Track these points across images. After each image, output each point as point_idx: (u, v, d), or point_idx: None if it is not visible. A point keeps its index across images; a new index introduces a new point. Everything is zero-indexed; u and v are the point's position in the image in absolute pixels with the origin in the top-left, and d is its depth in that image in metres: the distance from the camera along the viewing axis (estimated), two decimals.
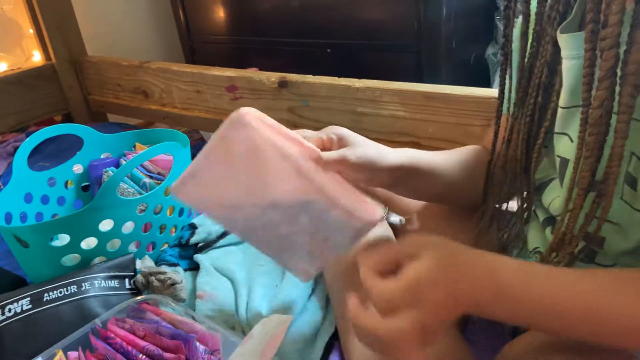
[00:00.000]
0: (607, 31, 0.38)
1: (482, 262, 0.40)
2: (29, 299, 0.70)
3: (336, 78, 1.05)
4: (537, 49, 0.49)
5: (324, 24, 1.41)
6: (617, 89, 0.39)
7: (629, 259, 0.49)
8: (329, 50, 1.42)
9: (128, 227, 0.81)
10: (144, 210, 0.82)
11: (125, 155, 1.03)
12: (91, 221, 0.77)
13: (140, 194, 0.91)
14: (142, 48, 1.82)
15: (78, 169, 1.01)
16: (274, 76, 1.14)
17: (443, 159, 0.60)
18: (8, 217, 0.86)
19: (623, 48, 0.38)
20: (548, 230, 0.55)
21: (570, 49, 0.46)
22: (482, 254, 0.41)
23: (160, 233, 0.87)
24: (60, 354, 0.53)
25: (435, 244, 0.41)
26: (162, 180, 0.89)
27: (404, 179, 0.55)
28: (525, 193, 0.55)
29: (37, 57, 1.52)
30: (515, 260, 0.41)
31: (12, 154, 1.34)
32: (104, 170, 0.98)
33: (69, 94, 1.53)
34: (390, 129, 0.99)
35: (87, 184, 1.02)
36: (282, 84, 1.12)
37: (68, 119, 1.55)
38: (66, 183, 0.99)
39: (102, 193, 0.76)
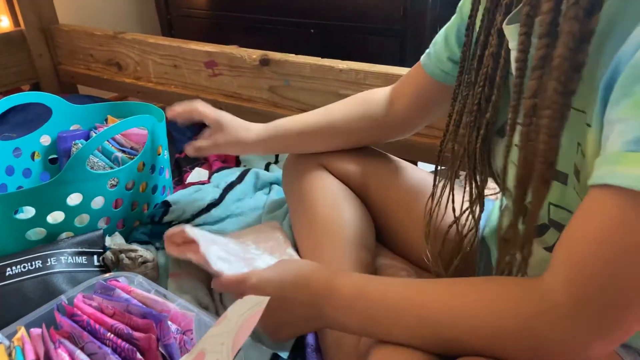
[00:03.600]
0: (541, 18, 0.36)
1: (321, 276, 0.50)
2: None
3: (320, 58, 1.03)
4: (487, 39, 0.49)
5: (309, 3, 1.37)
6: None
7: None
8: (312, 30, 1.39)
9: (97, 202, 0.78)
10: (115, 185, 0.79)
11: (96, 128, 0.98)
12: (58, 194, 0.73)
13: (112, 168, 0.88)
14: (116, 18, 1.75)
15: (45, 140, 0.96)
16: (255, 53, 1.10)
17: (310, 118, 0.75)
18: None
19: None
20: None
21: (516, 39, 0.45)
22: (318, 270, 0.52)
23: (132, 210, 0.84)
24: (22, 330, 0.50)
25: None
26: (136, 155, 0.85)
27: (274, 148, 0.80)
28: (478, 179, 0.55)
29: (5, 23, 1.45)
30: (350, 277, 0.50)
31: None
32: (73, 142, 0.94)
33: (38, 63, 1.46)
34: None
35: (54, 156, 0.98)
36: (264, 62, 1.09)
37: (36, 88, 1.48)
38: (33, 154, 0.95)
39: (71, 165, 0.72)
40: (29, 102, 0.91)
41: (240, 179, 0.98)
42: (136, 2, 1.80)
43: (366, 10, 1.28)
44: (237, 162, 1.11)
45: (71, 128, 0.98)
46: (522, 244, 0.42)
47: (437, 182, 0.61)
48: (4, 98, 0.88)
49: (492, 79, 0.50)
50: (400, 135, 0.75)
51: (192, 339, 0.51)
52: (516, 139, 0.42)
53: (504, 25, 0.46)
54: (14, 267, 0.67)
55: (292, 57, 1.06)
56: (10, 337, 0.52)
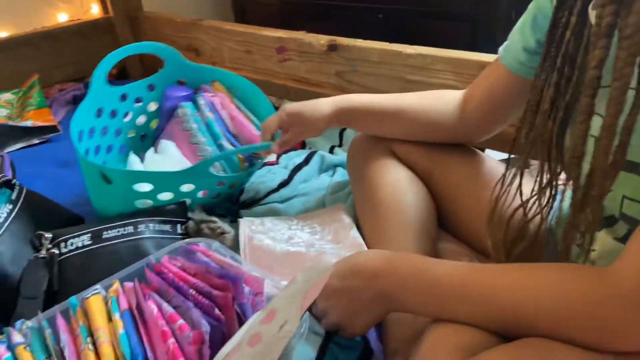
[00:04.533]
0: None
1: (379, 258, 0.52)
2: (89, 235, 0.76)
3: (387, 43, 1.04)
4: (567, 21, 0.47)
5: None
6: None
7: None
8: (380, 15, 1.40)
9: (203, 193, 0.85)
10: (222, 184, 0.86)
11: (201, 90, 1.02)
12: (177, 181, 0.81)
13: (217, 150, 0.93)
14: (194, 5, 1.84)
15: (152, 88, 1.02)
16: (323, 39, 1.14)
17: (381, 100, 0.76)
18: (80, 135, 0.89)
19: None
20: None
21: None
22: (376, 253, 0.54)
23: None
24: (117, 283, 0.58)
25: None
26: (237, 145, 0.93)
27: (345, 121, 0.80)
28: (552, 167, 0.53)
29: (95, 10, 1.57)
30: (409, 258, 0.52)
31: (70, 102, 1.41)
32: (179, 104, 0.99)
33: None
34: None
35: (156, 105, 1.03)
36: (332, 47, 1.12)
37: (123, 73, 1.60)
38: (138, 99, 1.02)
39: (198, 168, 0.80)
40: (146, 52, 0.97)
41: (306, 161, 1.03)
42: None
43: None
44: (303, 144, 1.16)
45: (178, 81, 1.03)
46: (585, 233, 0.43)
47: (508, 170, 0.60)
48: (122, 47, 0.92)
49: (572, 59, 0.47)
50: (475, 138, 0.74)
51: (262, 300, 0.56)
52: (593, 128, 0.42)
53: (589, 10, 0.45)
54: (109, 231, 0.76)
55: (359, 42, 1.08)
56: (107, 289, 0.59)
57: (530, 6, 0.60)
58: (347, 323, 0.55)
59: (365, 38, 1.10)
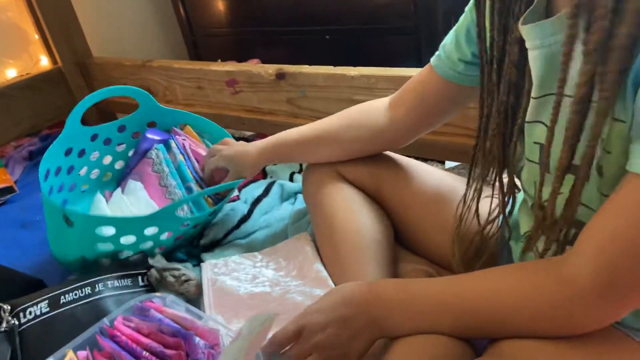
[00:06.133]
0: (599, 2, 0.36)
1: (364, 287, 0.53)
2: (47, 301, 0.74)
3: (332, 67, 1.06)
4: (503, 45, 0.49)
5: (321, 10, 1.40)
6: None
7: None
8: (327, 36, 1.41)
9: (166, 235, 0.84)
10: (185, 226, 0.86)
11: (173, 133, 1.03)
12: (141, 225, 0.80)
13: (187, 191, 0.94)
14: (146, 45, 1.84)
15: (122, 130, 1.03)
16: (271, 68, 1.15)
17: (307, 128, 0.79)
18: (47, 174, 0.89)
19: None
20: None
21: (534, 38, 0.45)
22: (359, 284, 0.54)
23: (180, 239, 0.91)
24: (70, 353, 0.57)
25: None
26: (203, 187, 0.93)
27: (274, 158, 0.85)
28: (504, 184, 0.56)
29: (44, 62, 1.56)
30: (388, 282, 0.54)
31: (27, 158, 1.39)
32: (154, 146, 1.00)
33: (78, 96, 1.56)
34: None
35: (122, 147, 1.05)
36: (280, 76, 1.13)
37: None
38: (107, 139, 1.02)
39: (165, 211, 0.80)
40: (120, 94, 0.98)
41: (266, 192, 1.03)
42: (162, 28, 1.88)
43: (377, 11, 1.29)
44: (264, 174, 1.16)
45: (148, 123, 1.04)
46: (560, 229, 0.46)
47: (469, 185, 0.61)
48: (97, 91, 0.93)
49: (518, 88, 0.50)
50: (403, 142, 0.76)
51: (219, 352, 0.56)
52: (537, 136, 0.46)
53: (520, 26, 0.47)
54: (67, 295, 0.74)
55: (305, 68, 1.09)
56: None
57: (462, 19, 0.62)
58: (342, 353, 0.52)
59: (315, 60, 1.12)
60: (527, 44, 0.47)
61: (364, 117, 0.76)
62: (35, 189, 1.21)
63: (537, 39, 0.45)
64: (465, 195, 0.61)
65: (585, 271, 0.40)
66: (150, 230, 0.81)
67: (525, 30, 0.46)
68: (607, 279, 0.39)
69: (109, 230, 0.79)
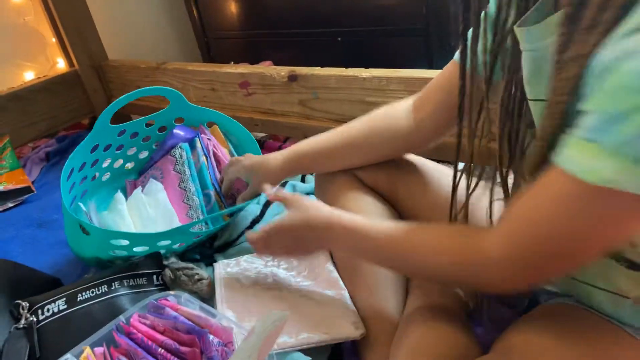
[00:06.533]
0: (587, 12, 0.37)
1: (323, 218, 0.62)
2: (64, 299, 0.76)
3: (344, 69, 1.06)
4: (500, 43, 0.50)
5: (333, 12, 1.41)
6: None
7: None
8: (339, 38, 1.42)
9: (177, 245, 0.86)
10: (199, 237, 0.87)
11: (200, 132, 1.04)
12: (155, 239, 0.82)
13: (203, 201, 0.95)
14: (160, 47, 1.87)
15: (150, 125, 1.05)
16: (283, 70, 1.16)
17: (329, 137, 0.78)
18: (71, 172, 0.91)
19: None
20: None
21: (524, 42, 0.46)
22: (322, 212, 0.63)
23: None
24: (87, 350, 0.58)
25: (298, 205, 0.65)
26: (223, 200, 0.94)
27: (297, 170, 0.83)
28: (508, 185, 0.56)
29: (61, 64, 1.59)
30: (342, 217, 0.61)
31: (44, 159, 1.42)
32: (179, 145, 1.01)
33: (94, 98, 1.59)
34: None
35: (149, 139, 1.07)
36: (292, 78, 1.14)
37: (95, 121, 1.60)
38: (134, 134, 1.04)
39: (180, 230, 0.82)
40: (154, 94, 1.02)
41: None
42: (176, 30, 1.90)
43: (388, 12, 1.30)
44: None
45: (175, 119, 1.06)
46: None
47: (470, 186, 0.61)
48: (128, 94, 0.95)
49: (520, 104, 0.52)
50: (428, 144, 0.74)
51: (232, 350, 0.57)
52: None
53: (515, 28, 0.47)
54: (84, 293, 0.76)
55: (317, 70, 1.10)
56: (78, 356, 0.59)
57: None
58: (289, 251, 0.69)
59: (327, 62, 1.12)
60: (521, 46, 0.48)
61: (387, 121, 0.74)
62: (52, 189, 1.24)
63: (526, 43, 0.46)
64: (468, 195, 0.61)
65: (495, 246, 0.44)
66: (163, 243, 0.83)
67: (519, 32, 0.47)
68: (510, 253, 0.43)
69: (123, 242, 0.81)
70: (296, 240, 0.66)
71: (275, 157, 0.82)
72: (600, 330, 0.48)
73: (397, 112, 0.74)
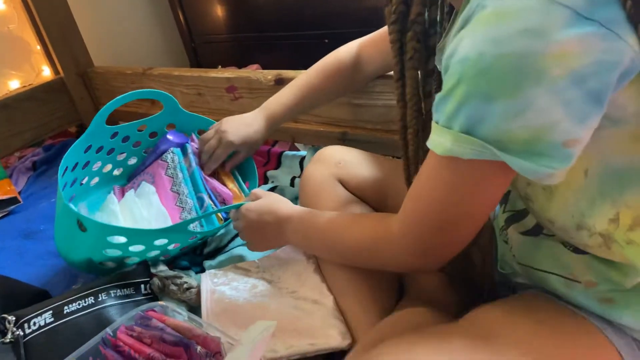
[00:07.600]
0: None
1: (285, 209, 0.71)
2: (51, 312, 0.75)
3: None
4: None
5: (320, 15, 1.41)
6: None
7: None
8: (326, 40, 1.42)
9: (173, 245, 0.85)
10: (193, 238, 0.86)
11: (190, 140, 1.04)
12: (152, 237, 0.81)
13: (196, 203, 0.94)
14: (147, 52, 1.85)
15: (142, 129, 1.05)
16: (270, 74, 1.15)
17: (293, 92, 0.92)
18: (65, 171, 0.90)
19: None
20: None
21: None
22: (286, 205, 0.73)
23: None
24: None
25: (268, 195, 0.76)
26: (217, 206, 0.94)
27: (277, 126, 0.94)
28: None
29: (46, 72, 1.57)
30: (299, 211, 0.70)
31: (30, 168, 1.40)
32: (170, 149, 1.00)
33: (80, 106, 1.58)
34: (386, 118, 1.00)
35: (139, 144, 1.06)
36: (279, 81, 1.13)
37: (81, 129, 1.60)
38: (126, 138, 1.04)
39: (177, 227, 0.81)
40: (147, 97, 1.01)
41: None
42: (163, 35, 1.89)
43: (376, 14, 1.29)
44: (265, 179, 1.16)
45: (167, 125, 1.06)
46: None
47: None
48: (127, 94, 0.95)
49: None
50: (367, 82, 0.94)
51: None
52: None
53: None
54: (70, 305, 0.75)
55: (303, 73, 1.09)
56: None
57: None
58: (255, 245, 0.79)
59: (314, 64, 1.11)
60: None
61: (335, 64, 0.89)
62: (38, 199, 1.22)
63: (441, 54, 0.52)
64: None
65: (396, 225, 0.51)
66: (159, 242, 0.82)
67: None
68: (405, 230, 0.50)
69: (120, 239, 0.80)
70: (259, 223, 0.73)
71: (256, 131, 0.93)
72: (553, 310, 0.51)
73: (345, 52, 0.89)
